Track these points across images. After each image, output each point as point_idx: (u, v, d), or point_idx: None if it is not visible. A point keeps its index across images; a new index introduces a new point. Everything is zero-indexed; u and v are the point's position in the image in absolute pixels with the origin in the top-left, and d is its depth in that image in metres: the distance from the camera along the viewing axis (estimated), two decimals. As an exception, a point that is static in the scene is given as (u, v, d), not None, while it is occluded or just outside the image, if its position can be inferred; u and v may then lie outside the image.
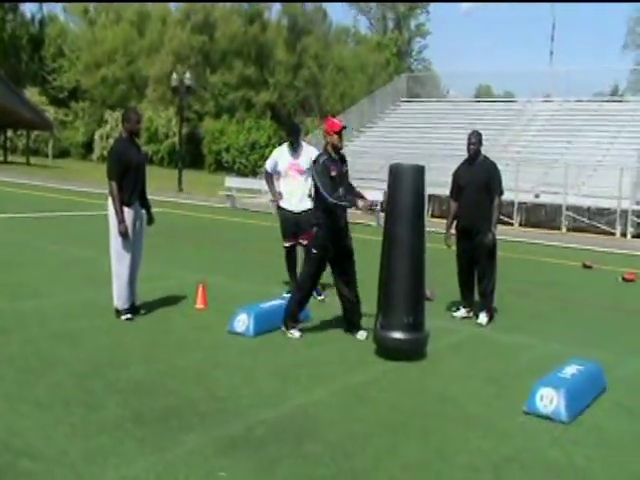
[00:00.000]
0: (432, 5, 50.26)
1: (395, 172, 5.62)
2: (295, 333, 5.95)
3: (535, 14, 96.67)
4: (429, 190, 15.32)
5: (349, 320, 6.16)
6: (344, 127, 6.07)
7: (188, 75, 25.41)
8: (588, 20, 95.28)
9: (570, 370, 4.79)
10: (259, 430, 3.94)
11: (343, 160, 6.13)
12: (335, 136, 5.94)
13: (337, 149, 6.01)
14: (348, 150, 24.09)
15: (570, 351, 5.69)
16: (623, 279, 9.84)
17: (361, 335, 6.02)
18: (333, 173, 5.87)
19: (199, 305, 6.81)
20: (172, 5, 47.57)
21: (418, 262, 5.55)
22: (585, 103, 24.73)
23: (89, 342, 5.49)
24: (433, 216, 18.16)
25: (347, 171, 6.18)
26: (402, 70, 39.41)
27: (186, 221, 15.45)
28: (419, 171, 5.64)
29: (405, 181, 5.57)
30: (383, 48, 43.43)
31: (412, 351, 5.47)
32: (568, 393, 4.42)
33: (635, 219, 16.96)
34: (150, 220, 6.50)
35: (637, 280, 9.80)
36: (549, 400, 4.40)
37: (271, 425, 4.02)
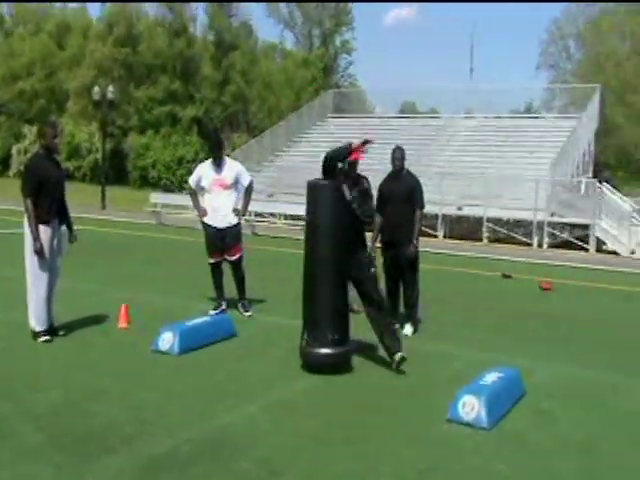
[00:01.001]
0: (357, 22, 51.28)
1: (313, 188, 5.63)
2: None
3: (456, 31, 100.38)
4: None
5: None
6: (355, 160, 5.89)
7: (111, 89, 24.86)
8: (505, 39, 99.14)
9: (491, 377, 4.92)
10: (185, 449, 3.87)
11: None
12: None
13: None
14: (275, 165, 24.18)
15: (492, 358, 5.85)
16: (541, 288, 10.22)
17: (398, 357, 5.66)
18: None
19: (122, 324, 6.64)
20: (94, 16, 46.64)
21: (339, 276, 5.58)
22: (504, 119, 25.66)
23: (4, 365, 5.27)
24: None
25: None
26: (329, 86, 39.87)
27: (109, 238, 15.07)
28: (338, 187, 5.64)
29: (324, 197, 5.58)
30: (309, 64, 43.84)
31: (338, 365, 5.50)
32: (489, 400, 4.55)
33: (550, 230, 17.69)
34: (72, 238, 6.31)
35: (553, 288, 10.21)
36: (471, 407, 4.52)
37: (198, 444, 3.97)
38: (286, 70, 42.79)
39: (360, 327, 5.99)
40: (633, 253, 16.50)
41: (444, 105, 29.15)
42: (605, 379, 5.70)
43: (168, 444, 3.93)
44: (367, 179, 5.96)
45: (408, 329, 6.93)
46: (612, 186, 19.26)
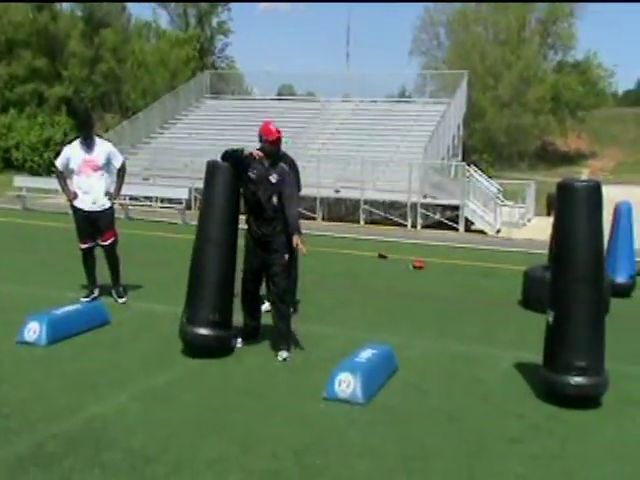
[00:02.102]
0: (233, 4, 50.44)
1: (211, 169, 5.56)
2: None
3: (332, 18, 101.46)
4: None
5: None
6: (278, 139, 5.57)
7: (-33, 64, 22.98)
8: (379, 25, 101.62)
9: (365, 354, 5.06)
10: (50, 445, 3.68)
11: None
12: (267, 145, 5.51)
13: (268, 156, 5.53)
14: (151, 147, 23.43)
15: (367, 336, 6.00)
16: (414, 267, 10.64)
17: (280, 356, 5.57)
18: (251, 174, 5.50)
19: (-18, 316, 6.20)
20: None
21: (228, 259, 5.53)
22: (379, 104, 26.32)
23: None
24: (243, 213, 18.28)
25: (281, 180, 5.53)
26: (205, 67, 39.06)
27: (-31, 225, 14.00)
28: (233, 169, 5.59)
29: (220, 178, 5.52)
30: (185, 44, 42.70)
31: (217, 347, 5.44)
32: (363, 376, 4.67)
33: (423, 211, 18.42)
34: None
35: (425, 267, 10.66)
36: (346, 384, 4.62)
37: (64, 438, 3.78)
38: (160, 50, 41.38)
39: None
40: (499, 232, 17.52)
41: (321, 89, 29.44)
42: (471, 352, 6.02)
43: (31, 441, 3.72)
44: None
45: (286, 310, 6.97)
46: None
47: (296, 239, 5.43)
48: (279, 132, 5.56)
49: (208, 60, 46.22)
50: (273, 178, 5.48)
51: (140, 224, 15.17)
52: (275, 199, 5.49)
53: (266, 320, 6.80)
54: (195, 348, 5.40)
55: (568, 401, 4.65)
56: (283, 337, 5.64)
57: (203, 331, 5.34)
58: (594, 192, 4.70)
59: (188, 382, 4.89)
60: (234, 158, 5.53)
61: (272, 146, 5.51)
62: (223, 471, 3.54)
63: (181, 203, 16.72)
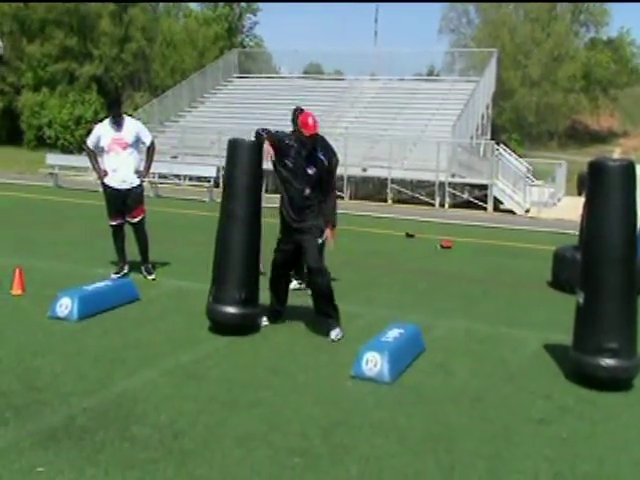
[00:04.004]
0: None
1: (233, 147, 5.56)
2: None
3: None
4: (264, 165, 15.43)
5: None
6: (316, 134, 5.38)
7: (1, 44, 23.22)
8: (408, 2, 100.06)
9: (392, 334, 5.06)
10: (81, 419, 3.76)
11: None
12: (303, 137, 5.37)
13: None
14: (179, 126, 23.51)
15: (394, 316, 6.00)
16: (441, 246, 10.57)
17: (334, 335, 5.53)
18: (289, 163, 5.42)
19: (16, 291, 6.32)
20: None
21: (253, 237, 5.56)
22: (407, 82, 26.04)
23: None
24: (267, 191, 18.31)
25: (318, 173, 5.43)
26: (233, 46, 38.96)
27: (1, 201, 14.24)
28: (257, 147, 5.59)
29: (242, 156, 5.52)
30: (213, 23, 42.60)
31: (244, 326, 5.48)
32: (390, 356, 4.67)
33: (451, 191, 18.26)
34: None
35: (453, 246, 10.59)
36: (373, 363, 4.63)
37: (95, 412, 3.85)
38: (188, 28, 41.35)
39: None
40: (527, 212, 17.32)
41: (349, 67, 29.24)
42: (498, 333, 5.98)
43: (63, 414, 3.79)
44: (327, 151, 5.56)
45: (313, 289, 6.98)
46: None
47: (328, 232, 5.47)
48: (316, 126, 5.37)
49: (236, 39, 46.07)
50: (310, 170, 5.40)
51: (169, 202, 15.29)
52: (308, 191, 5.42)
53: (294, 296, 6.84)
54: (222, 326, 5.45)
55: (598, 384, 4.60)
56: (326, 315, 5.61)
57: (230, 309, 5.38)
58: (627, 171, 4.60)
59: (216, 359, 4.93)
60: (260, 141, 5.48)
61: (308, 139, 5.36)
62: (251, 448, 3.58)
63: (209, 181, 16.80)
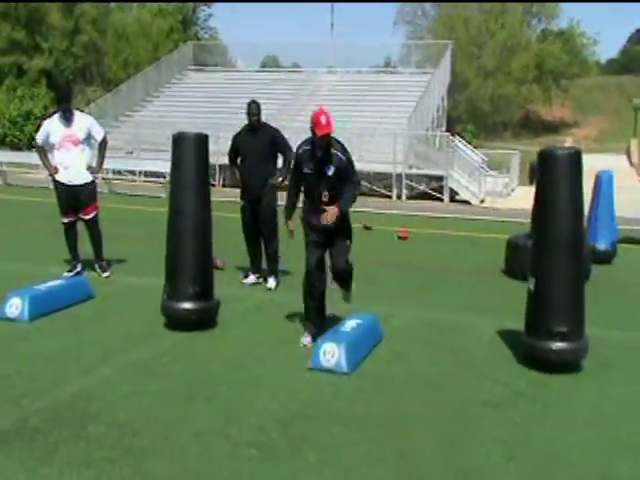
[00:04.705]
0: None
1: (178, 141, 5.51)
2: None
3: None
4: (220, 160, 15.41)
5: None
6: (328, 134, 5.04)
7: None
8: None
9: (350, 324, 5.10)
10: (34, 420, 3.69)
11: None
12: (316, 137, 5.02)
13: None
14: (134, 121, 23.14)
15: (353, 307, 6.02)
16: (399, 237, 10.68)
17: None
18: (307, 170, 5.12)
19: (-35, 293, 6.16)
20: None
21: (204, 231, 5.53)
22: (364, 74, 26.15)
23: None
24: (224, 186, 18.20)
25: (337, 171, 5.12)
26: (188, 38, 38.51)
27: (-51, 201, 13.83)
28: (202, 140, 5.57)
29: (188, 150, 5.48)
30: (166, 14, 42.00)
31: (200, 320, 5.45)
32: (348, 346, 4.71)
33: (408, 182, 18.43)
34: None
35: (410, 237, 10.70)
36: (331, 355, 4.66)
37: (48, 413, 3.79)
38: (141, 21, 40.68)
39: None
40: (482, 202, 17.59)
41: (306, 60, 29.19)
42: (454, 320, 6.07)
43: (15, 416, 3.72)
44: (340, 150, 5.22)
45: (272, 283, 6.99)
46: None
47: (335, 210, 5.05)
48: (330, 126, 5.01)
49: (191, 31, 45.52)
50: (329, 170, 5.08)
51: (123, 198, 15.07)
52: (327, 193, 5.12)
53: (252, 291, 6.84)
54: (178, 322, 5.41)
55: (550, 366, 4.71)
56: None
57: (185, 305, 5.35)
58: (574, 159, 4.72)
59: (174, 355, 4.90)
60: None
61: (320, 140, 5.02)
62: (209, 443, 3.57)
63: (165, 177, 16.60)
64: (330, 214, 5.01)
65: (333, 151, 5.09)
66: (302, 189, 5.28)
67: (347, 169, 5.17)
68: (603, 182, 9.10)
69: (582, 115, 51.86)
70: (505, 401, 4.28)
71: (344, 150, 5.23)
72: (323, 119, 5.01)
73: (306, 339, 5.24)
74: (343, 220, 5.20)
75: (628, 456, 3.58)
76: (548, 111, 50.61)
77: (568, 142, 35.38)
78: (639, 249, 10.55)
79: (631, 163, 33.64)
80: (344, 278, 5.50)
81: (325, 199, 5.14)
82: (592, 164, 12.23)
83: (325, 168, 5.07)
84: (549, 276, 4.74)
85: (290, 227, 5.31)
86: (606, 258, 8.88)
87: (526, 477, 3.36)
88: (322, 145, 5.04)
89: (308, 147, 5.12)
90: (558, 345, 4.67)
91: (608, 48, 65.60)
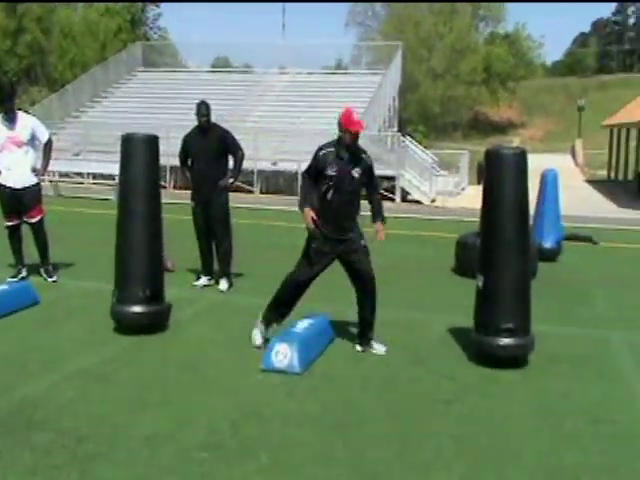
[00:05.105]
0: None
1: (127, 142, 5.42)
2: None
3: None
4: (171, 161, 15.21)
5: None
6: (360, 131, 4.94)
7: None
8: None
9: (302, 324, 5.10)
10: (-23, 428, 3.58)
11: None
12: (347, 135, 4.86)
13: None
14: (81, 122, 22.68)
15: (304, 307, 6.02)
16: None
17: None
18: (330, 172, 4.89)
19: None
20: None
21: (154, 234, 5.45)
22: (315, 75, 26.23)
23: None
24: (176, 187, 18.00)
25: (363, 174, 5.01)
26: (137, 38, 37.96)
27: None
28: (152, 141, 5.50)
29: (138, 151, 5.41)
30: (114, 14, 41.28)
31: (151, 324, 5.38)
32: (300, 346, 4.71)
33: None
34: None
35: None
36: (283, 355, 4.65)
37: (-8, 420, 3.68)
38: (88, 19, 39.87)
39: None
40: (433, 201, 17.85)
41: (257, 60, 29.04)
42: (406, 318, 6.15)
43: (-43, 425, 3.61)
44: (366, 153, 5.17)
45: (223, 284, 6.95)
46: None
47: (381, 226, 5.12)
48: (363, 123, 4.97)
49: (140, 31, 44.88)
50: (356, 173, 4.94)
51: (71, 201, 14.77)
52: (352, 197, 5.00)
53: (204, 293, 6.78)
54: (128, 327, 5.32)
55: (498, 362, 4.81)
56: (369, 327, 5.25)
57: (135, 308, 5.27)
58: (519, 159, 4.83)
59: (123, 360, 4.82)
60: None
61: (354, 138, 4.89)
62: (159, 447, 3.52)
63: (114, 179, 16.33)
64: (381, 233, 5.14)
65: (359, 153, 5.01)
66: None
67: (371, 172, 5.11)
68: (548, 181, 9.34)
69: (529, 116, 53.14)
70: (456, 397, 4.34)
71: (367, 153, 5.16)
72: (356, 116, 4.89)
73: (258, 339, 5.17)
74: (357, 226, 5.13)
75: (573, 447, 3.68)
76: (496, 112, 51.72)
77: (515, 142, 36.18)
78: (583, 247, 10.87)
79: (576, 163, 34.62)
80: (372, 291, 5.26)
81: (353, 201, 5.01)
82: (538, 164, 12.56)
83: (352, 170, 4.93)
84: (496, 274, 4.83)
85: (311, 216, 5.00)
86: (551, 256, 9.12)
87: (476, 470, 3.42)
88: (354, 144, 4.91)
89: (331, 149, 4.93)
90: (506, 341, 4.77)
91: (553, 50, 67.42)
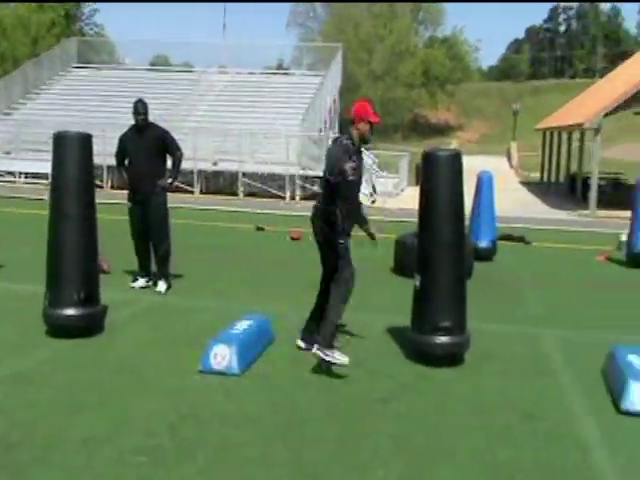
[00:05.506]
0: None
1: (59, 141, 5.28)
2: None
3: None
4: (108, 161, 14.86)
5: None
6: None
7: None
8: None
9: (241, 325, 5.08)
10: None
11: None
12: (367, 126, 4.73)
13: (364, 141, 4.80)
14: (12, 119, 21.90)
15: (244, 308, 6.00)
16: (291, 238, 10.74)
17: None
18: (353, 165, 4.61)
19: None
20: None
21: (88, 234, 5.33)
22: (256, 75, 26.11)
23: None
24: (113, 187, 17.61)
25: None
26: (72, 33, 36.93)
27: None
28: (86, 139, 5.37)
29: (71, 150, 5.27)
30: (47, 8, 40.07)
31: (86, 327, 5.25)
32: (239, 347, 4.68)
33: (302, 183, 18.59)
34: None
35: (302, 238, 10.79)
36: (222, 356, 4.62)
37: None
38: (19, 13, 38.56)
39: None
40: (374, 202, 18.02)
41: (197, 59, 28.65)
42: (345, 318, 6.15)
43: None
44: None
45: (162, 286, 6.85)
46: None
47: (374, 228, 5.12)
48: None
49: (75, 27, 43.71)
50: (362, 168, 4.94)
51: (2, 201, 14.26)
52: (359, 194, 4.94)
53: (141, 294, 6.67)
54: (62, 330, 5.18)
55: (435, 360, 4.90)
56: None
57: (68, 311, 5.13)
58: (455, 160, 4.94)
59: (57, 363, 4.69)
60: None
61: (372, 130, 4.78)
62: (95, 451, 3.45)
63: (47, 178, 15.86)
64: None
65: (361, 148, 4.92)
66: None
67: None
68: (484, 182, 9.58)
69: (466, 118, 54.39)
70: (393, 395, 4.40)
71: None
72: (371, 107, 4.78)
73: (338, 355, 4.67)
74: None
75: (507, 444, 3.78)
76: (435, 115, 52.73)
77: (453, 144, 36.94)
78: (517, 246, 11.19)
79: (511, 165, 35.62)
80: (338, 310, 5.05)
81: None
82: (475, 165, 12.87)
83: (361, 165, 4.83)
84: (432, 273, 4.93)
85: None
86: (487, 255, 9.36)
87: (412, 469, 3.47)
88: (370, 135, 4.78)
89: (350, 141, 4.73)
90: (442, 339, 4.86)
91: (489, 56, 69.27)
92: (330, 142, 4.80)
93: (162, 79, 25.38)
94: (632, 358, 4.58)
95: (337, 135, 4.89)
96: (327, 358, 4.61)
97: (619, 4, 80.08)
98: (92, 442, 3.53)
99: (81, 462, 3.33)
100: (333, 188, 4.68)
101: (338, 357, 4.63)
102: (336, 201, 4.68)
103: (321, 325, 4.81)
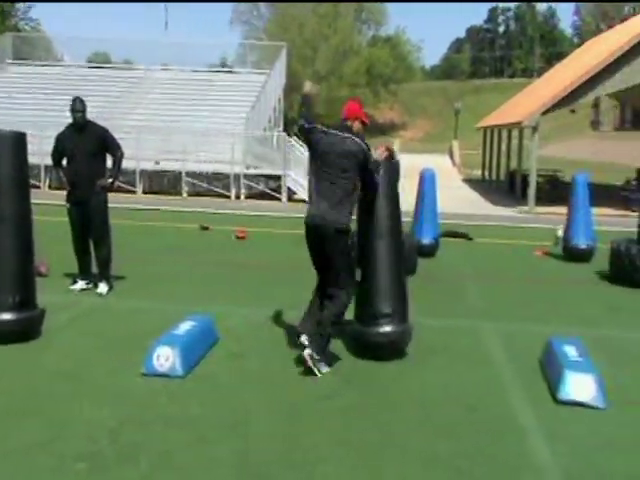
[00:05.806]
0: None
1: None
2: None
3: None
4: (46, 160, 14.43)
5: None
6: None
7: None
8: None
9: (184, 326, 5.02)
10: None
11: None
12: (360, 125, 5.11)
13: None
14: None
15: (187, 308, 5.93)
16: (236, 237, 10.69)
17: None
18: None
19: None
20: None
21: (24, 236, 5.18)
22: (200, 73, 25.80)
23: None
24: (51, 187, 17.14)
25: None
26: (7, 29, 35.76)
27: None
28: (20, 138, 5.22)
29: (4, 150, 5.12)
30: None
31: (22, 332, 5.10)
32: (183, 349, 4.63)
33: (247, 182, 18.50)
34: None
35: (247, 237, 10.76)
36: (165, 358, 4.55)
37: None
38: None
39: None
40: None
41: (139, 57, 28.14)
42: (288, 316, 6.17)
43: None
44: None
45: (103, 288, 6.71)
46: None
47: None
48: None
49: (10, 22, 42.33)
50: None
51: None
52: None
53: (81, 297, 6.52)
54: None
55: (377, 350, 4.93)
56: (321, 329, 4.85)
57: (4, 316, 4.99)
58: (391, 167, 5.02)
59: (-9, 370, 4.54)
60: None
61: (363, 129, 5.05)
62: (33, 459, 3.35)
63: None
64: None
65: None
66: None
67: None
68: (426, 180, 9.72)
69: (410, 117, 55.14)
70: (337, 391, 4.43)
71: None
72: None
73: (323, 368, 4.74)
74: None
75: (451, 436, 3.85)
76: (379, 114, 53.24)
77: (397, 144, 37.38)
78: (460, 242, 11.41)
79: (453, 163, 36.26)
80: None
81: None
82: (418, 164, 13.06)
83: None
84: (371, 264, 4.99)
85: None
86: (430, 251, 9.51)
87: (358, 465, 3.49)
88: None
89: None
90: (385, 329, 4.90)
91: (431, 55, 70.46)
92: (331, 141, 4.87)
93: (102, 76, 24.84)
94: (568, 349, 4.73)
95: (336, 132, 5.05)
96: (314, 368, 4.63)
97: (554, 4, 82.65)
98: (29, 450, 3.44)
99: (17, 471, 3.24)
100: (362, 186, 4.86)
101: (323, 368, 4.71)
102: (351, 205, 4.83)
103: (315, 334, 4.83)
